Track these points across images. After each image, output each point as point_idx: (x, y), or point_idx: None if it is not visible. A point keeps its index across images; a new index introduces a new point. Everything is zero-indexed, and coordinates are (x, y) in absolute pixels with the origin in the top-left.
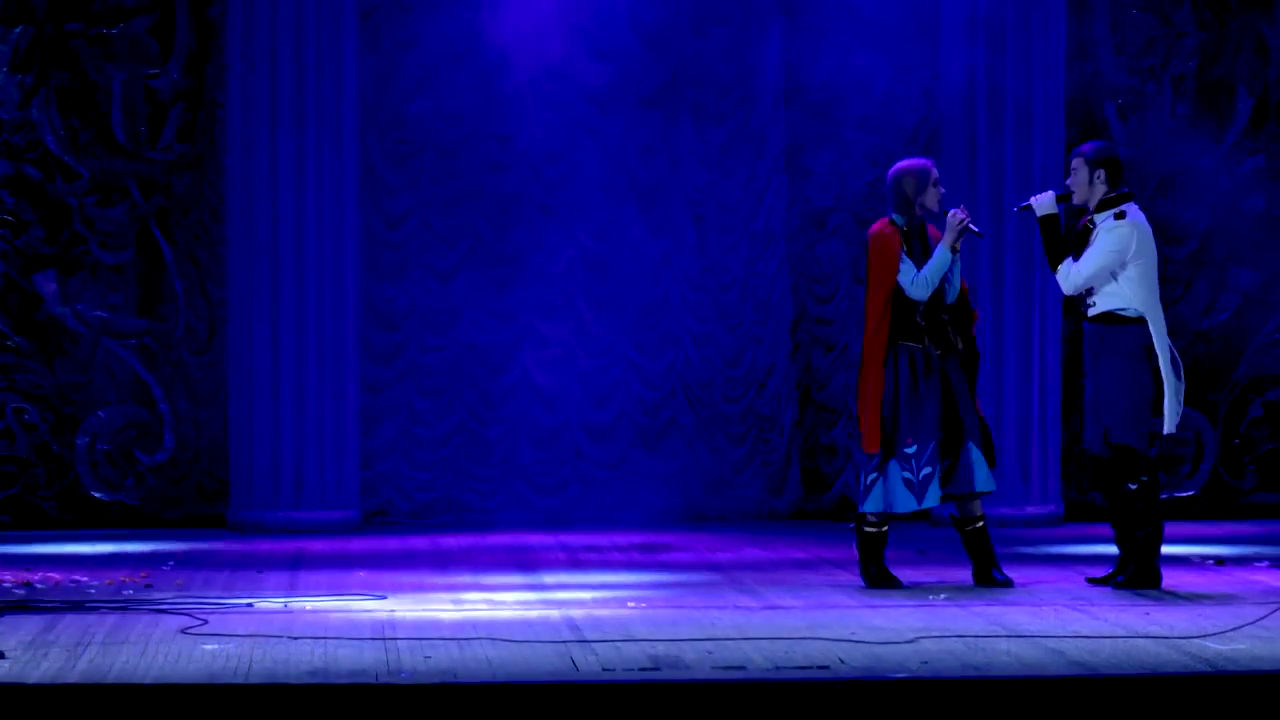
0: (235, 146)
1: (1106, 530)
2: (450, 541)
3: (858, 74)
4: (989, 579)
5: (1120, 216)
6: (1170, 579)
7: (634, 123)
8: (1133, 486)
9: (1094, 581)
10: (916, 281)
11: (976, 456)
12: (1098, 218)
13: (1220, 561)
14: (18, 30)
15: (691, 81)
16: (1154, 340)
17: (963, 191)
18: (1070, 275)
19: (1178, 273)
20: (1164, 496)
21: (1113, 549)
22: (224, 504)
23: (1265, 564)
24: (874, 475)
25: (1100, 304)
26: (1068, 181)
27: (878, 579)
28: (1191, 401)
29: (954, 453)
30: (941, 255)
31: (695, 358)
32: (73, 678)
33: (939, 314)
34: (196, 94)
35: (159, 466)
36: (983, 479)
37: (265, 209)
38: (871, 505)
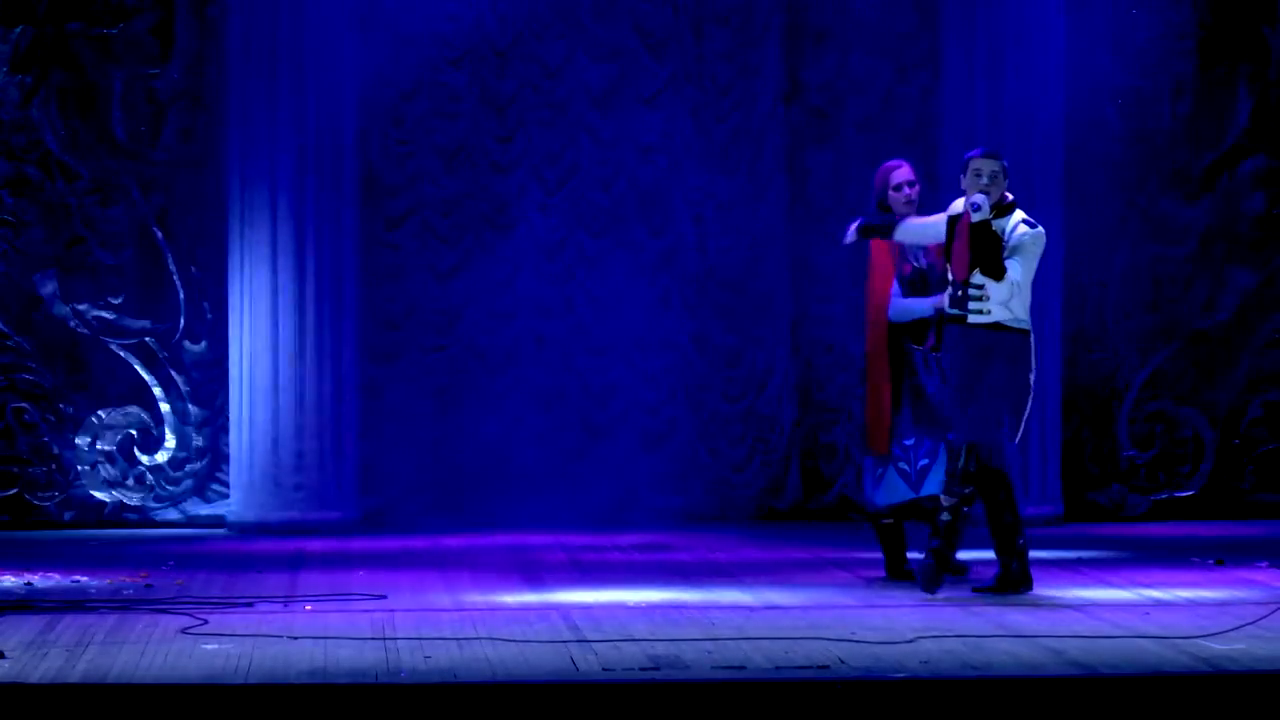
0: (235, 146)
1: (1108, 530)
2: (450, 541)
3: (858, 74)
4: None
5: (1028, 224)
6: (1171, 579)
7: (634, 123)
8: (1002, 496)
9: (979, 590)
10: (894, 308)
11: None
12: (1003, 222)
13: (1220, 561)
14: (18, 30)
15: (691, 81)
16: (1032, 352)
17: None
18: (1006, 281)
19: (1177, 273)
20: (1164, 496)
21: (1110, 550)
22: (224, 504)
23: (1265, 564)
24: (880, 470)
25: (996, 313)
26: (992, 186)
27: (895, 573)
28: (1191, 401)
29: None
30: (924, 308)
31: (695, 358)
32: (73, 678)
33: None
34: (196, 94)
35: (159, 466)
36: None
37: (265, 209)
38: (884, 498)
